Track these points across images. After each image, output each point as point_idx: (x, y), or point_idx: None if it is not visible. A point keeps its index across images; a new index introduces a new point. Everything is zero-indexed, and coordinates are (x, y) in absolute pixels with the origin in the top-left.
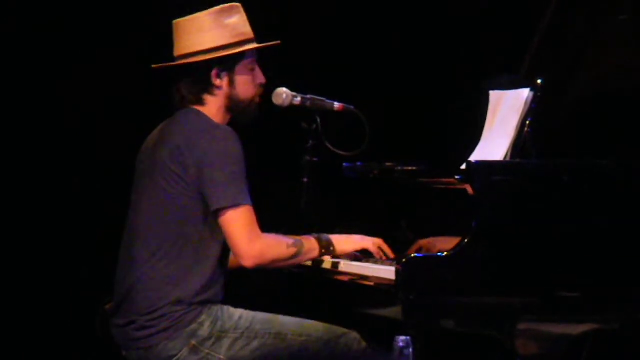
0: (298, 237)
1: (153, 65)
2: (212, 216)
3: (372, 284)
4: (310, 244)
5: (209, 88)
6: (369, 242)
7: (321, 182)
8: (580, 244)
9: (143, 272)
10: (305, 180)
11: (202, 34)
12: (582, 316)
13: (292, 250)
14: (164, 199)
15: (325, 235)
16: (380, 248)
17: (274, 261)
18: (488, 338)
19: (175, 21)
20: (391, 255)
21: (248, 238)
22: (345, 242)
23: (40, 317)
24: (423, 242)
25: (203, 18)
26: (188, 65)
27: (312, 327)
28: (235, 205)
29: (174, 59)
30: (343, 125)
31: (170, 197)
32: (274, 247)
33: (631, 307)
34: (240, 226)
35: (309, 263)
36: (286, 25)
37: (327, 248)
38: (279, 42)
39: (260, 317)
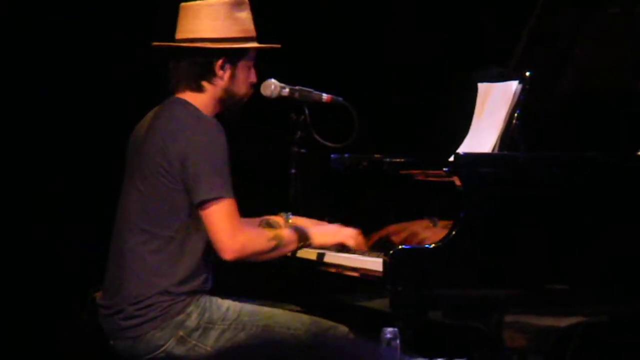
0: (277, 230)
1: (154, 43)
2: (195, 208)
3: (358, 275)
4: (289, 237)
5: (209, 76)
6: (346, 237)
7: (309, 174)
8: (568, 236)
9: (131, 262)
10: (293, 171)
11: (214, 21)
12: (570, 308)
13: (272, 244)
14: (150, 191)
15: (303, 227)
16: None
17: (254, 254)
18: (476, 330)
19: (184, 3)
20: (364, 249)
21: (230, 232)
22: (323, 235)
23: (29, 306)
24: (392, 227)
25: (216, 6)
26: (194, 50)
27: (300, 320)
28: (217, 198)
29: (176, 40)
30: (331, 117)
31: (155, 189)
32: (255, 240)
33: (619, 299)
34: (222, 220)
35: (299, 254)
36: (276, 17)
37: (305, 240)
38: (279, 45)
39: (248, 309)
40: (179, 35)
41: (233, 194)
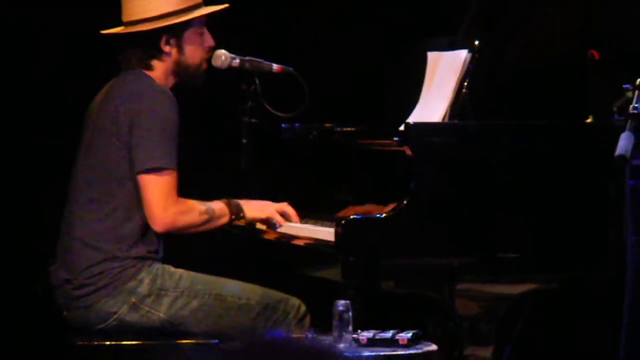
0: (209, 203)
1: (101, 31)
2: (135, 175)
3: (310, 245)
4: (221, 211)
5: (157, 54)
6: (274, 213)
7: (260, 144)
8: (518, 204)
9: (80, 231)
10: (244, 141)
11: (150, 0)
12: (521, 276)
13: (204, 217)
14: (97, 157)
15: (235, 201)
16: (284, 214)
17: (185, 228)
18: (428, 299)
19: None
20: (295, 220)
21: (163, 204)
22: (254, 209)
23: (29, 305)
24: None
25: None
26: (136, 32)
27: (252, 291)
28: (157, 168)
29: (122, 23)
30: (282, 87)
31: (103, 155)
32: (187, 214)
33: (569, 266)
34: (157, 191)
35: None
36: None
37: (237, 214)
38: (227, 5)
39: (201, 278)
40: (124, 18)
41: (175, 165)
